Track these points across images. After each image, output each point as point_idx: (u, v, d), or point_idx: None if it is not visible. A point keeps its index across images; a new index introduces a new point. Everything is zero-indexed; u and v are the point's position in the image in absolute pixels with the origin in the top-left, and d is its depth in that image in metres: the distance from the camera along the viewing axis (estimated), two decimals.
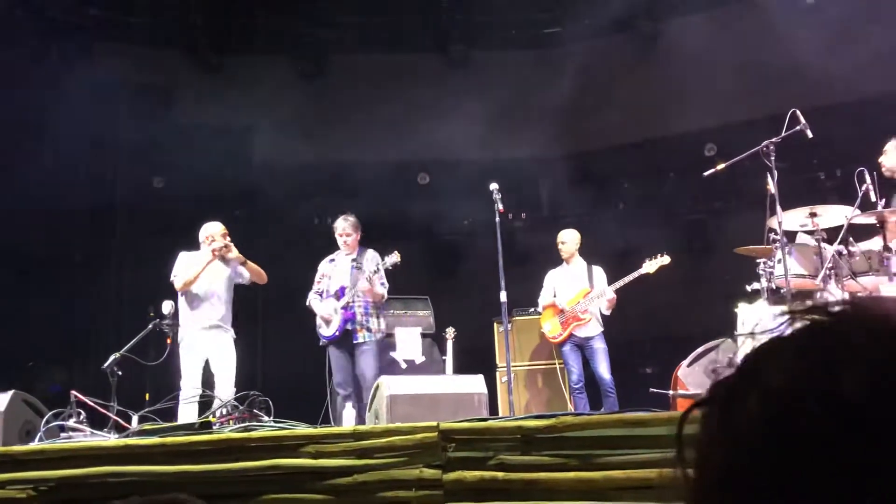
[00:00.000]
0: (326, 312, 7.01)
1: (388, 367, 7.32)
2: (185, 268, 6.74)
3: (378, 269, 6.95)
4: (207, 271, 6.72)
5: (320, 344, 7.15)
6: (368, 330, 6.97)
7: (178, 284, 6.69)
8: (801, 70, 8.39)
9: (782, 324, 0.72)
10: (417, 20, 9.80)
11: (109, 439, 4.69)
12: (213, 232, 6.84)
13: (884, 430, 0.59)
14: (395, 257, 6.97)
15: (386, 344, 7.52)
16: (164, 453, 3.80)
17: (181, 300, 6.74)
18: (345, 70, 10.10)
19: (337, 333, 6.96)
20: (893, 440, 0.58)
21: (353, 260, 7.15)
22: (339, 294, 7.01)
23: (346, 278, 7.07)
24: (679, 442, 0.73)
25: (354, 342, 6.94)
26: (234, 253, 6.78)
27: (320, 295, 7.16)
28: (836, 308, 0.69)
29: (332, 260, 7.30)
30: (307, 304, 7.21)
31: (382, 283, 7.05)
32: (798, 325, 0.70)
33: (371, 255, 7.15)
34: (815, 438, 0.60)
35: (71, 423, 5.05)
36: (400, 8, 9.60)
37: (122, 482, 3.69)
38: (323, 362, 7.36)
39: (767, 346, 0.71)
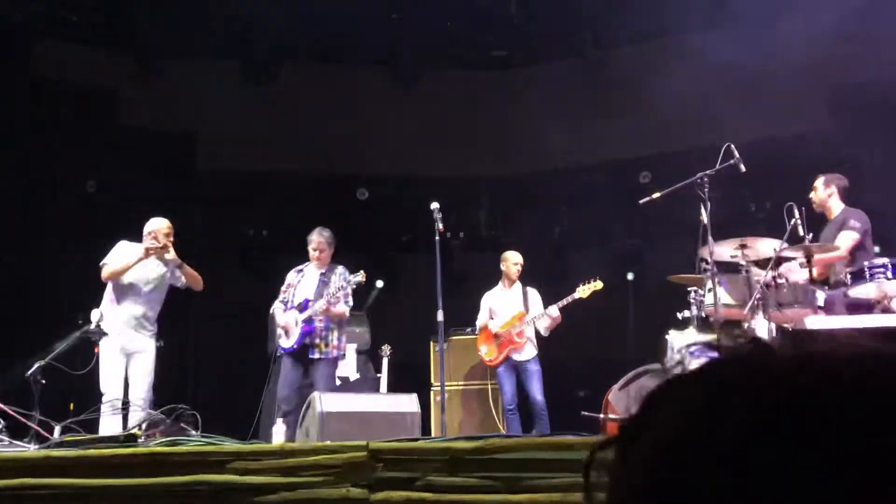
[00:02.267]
0: (286, 322, 6.93)
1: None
2: (118, 258, 6.56)
3: (345, 287, 6.88)
4: (141, 266, 6.54)
5: (277, 354, 7.06)
6: (326, 345, 6.86)
7: (104, 273, 6.50)
8: (735, 105, 8.67)
9: (691, 356, 0.76)
10: (367, 34, 9.82)
11: (29, 450, 4.58)
12: (156, 228, 6.66)
13: (759, 480, 0.63)
14: (359, 276, 6.89)
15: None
16: (86, 466, 3.73)
17: (107, 292, 6.56)
18: (291, 79, 10.07)
19: (295, 346, 6.84)
20: (768, 491, 0.62)
21: (322, 274, 7.09)
22: (303, 306, 6.93)
23: (312, 292, 6.96)
24: (586, 481, 0.76)
25: (310, 357, 6.84)
26: (172, 254, 6.66)
27: (285, 304, 7.08)
28: (732, 346, 0.73)
29: (301, 271, 7.19)
30: (271, 311, 7.11)
31: (346, 302, 6.95)
32: (698, 361, 0.74)
33: (340, 271, 7.04)
34: (695, 488, 0.64)
35: None
36: (351, 21, 9.62)
37: (41, 495, 3.61)
38: (260, 374, 7.30)
39: (665, 386, 0.75)
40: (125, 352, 6.45)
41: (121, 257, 6.56)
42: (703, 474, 0.63)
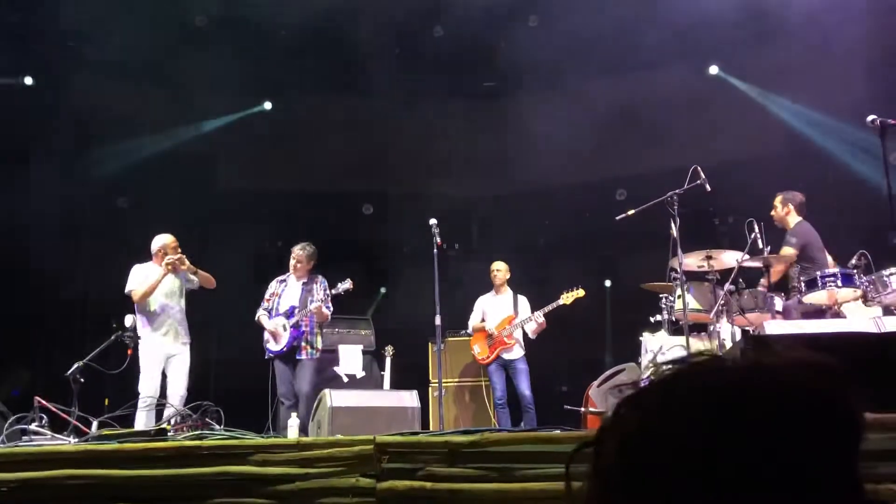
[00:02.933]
0: (275, 328, 6.96)
1: (331, 380, 7.29)
2: (139, 280, 6.60)
3: (326, 294, 6.97)
4: (162, 283, 6.60)
5: (266, 357, 7.08)
6: (312, 347, 6.95)
7: (135, 297, 6.56)
8: (702, 128, 8.73)
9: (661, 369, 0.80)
10: (372, 65, 9.83)
11: (69, 443, 4.57)
12: (165, 244, 6.72)
13: (696, 464, 0.68)
14: (347, 284, 7.01)
15: (329, 359, 7.49)
16: (120, 458, 3.72)
17: (139, 311, 6.61)
18: (301, 107, 10.08)
19: (284, 349, 6.91)
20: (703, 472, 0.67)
21: (304, 284, 7.12)
22: (290, 313, 6.96)
23: (297, 299, 7.04)
24: (567, 477, 0.80)
25: (298, 358, 6.90)
26: (186, 265, 6.69)
27: (269, 312, 7.10)
28: (680, 363, 0.77)
29: (283, 281, 7.24)
30: (256, 319, 7.14)
31: (328, 307, 7.04)
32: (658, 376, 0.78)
33: (320, 280, 7.15)
34: (651, 470, 0.70)
35: (33, 426, 4.90)
36: (353, 52, 9.62)
37: (80, 485, 3.61)
38: (268, 374, 7.30)
39: (631, 393, 0.79)
40: (164, 356, 6.49)
41: (143, 279, 6.59)
42: (657, 458, 0.70)
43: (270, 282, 7.30)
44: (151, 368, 6.43)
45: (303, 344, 6.89)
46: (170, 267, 6.56)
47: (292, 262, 7.15)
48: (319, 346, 7.04)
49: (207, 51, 8.58)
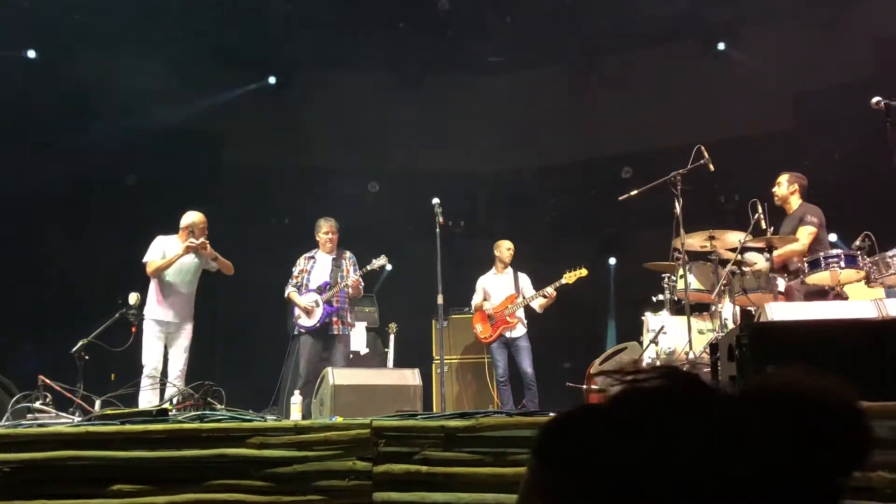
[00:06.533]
0: (308, 304, 6.94)
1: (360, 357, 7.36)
2: (156, 253, 6.58)
3: (356, 268, 7.00)
4: (179, 260, 6.58)
5: (295, 332, 7.08)
6: (344, 323, 6.94)
7: (149, 269, 6.54)
8: (707, 106, 8.62)
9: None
10: (377, 44, 9.75)
11: (73, 422, 4.61)
12: (194, 222, 6.66)
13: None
14: (382, 260, 7.01)
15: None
16: (122, 440, 3.75)
17: (151, 283, 6.60)
18: (310, 84, 10.02)
19: (318, 324, 6.88)
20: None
21: (334, 259, 7.10)
22: (323, 288, 6.95)
23: (327, 275, 7.01)
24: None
25: (330, 333, 6.88)
26: (208, 249, 6.66)
27: (298, 288, 7.08)
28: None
29: (311, 258, 7.18)
30: (286, 295, 7.11)
31: (361, 283, 7.07)
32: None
33: (348, 255, 7.14)
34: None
35: (37, 405, 4.95)
36: (362, 31, 9.54)
37: (80, 466, 3.63)
38: (277, 351, 7.32)
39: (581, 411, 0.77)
40: (166, 331, 6.50)
41: (161, 253, 6.57)
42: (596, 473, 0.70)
43: (297, 258, 7.25)
44: (153, 343, 6.43)
45: (335, 319, 6.88)
46: (190, 248, 6.55)
47: (324, 236, 7.10)
48: (351, 321, 7.07)
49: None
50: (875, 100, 4.83)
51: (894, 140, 4.85)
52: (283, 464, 3.56)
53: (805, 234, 6.29)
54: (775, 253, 6.17)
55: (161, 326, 6.48)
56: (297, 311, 7.03)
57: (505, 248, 7.95)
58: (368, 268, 7.00)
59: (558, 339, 8.68)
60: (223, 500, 3.51)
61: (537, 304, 7.77)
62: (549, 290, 7.64)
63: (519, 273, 7.97)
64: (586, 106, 9.57)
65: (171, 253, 6.56)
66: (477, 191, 10.40)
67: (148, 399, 6.05)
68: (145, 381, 6.11)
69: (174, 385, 5.97)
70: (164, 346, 6.49)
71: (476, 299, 8.05)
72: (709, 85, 8.80)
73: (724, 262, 6.31)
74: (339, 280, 6.90)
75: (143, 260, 6.58)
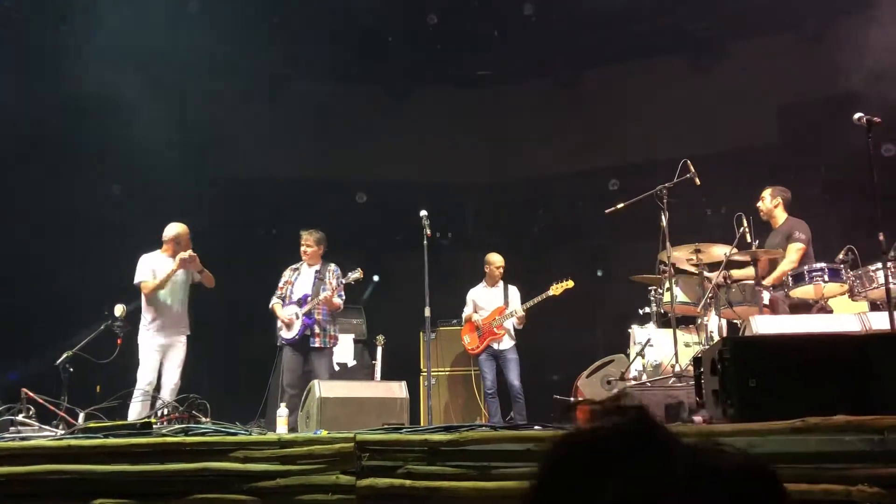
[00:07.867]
0: (287, 316, 6.93)
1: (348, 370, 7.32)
2: (147, 272, 6.59)
3: (339, 282, 6.93)
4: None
5: (278, 344, 7.06)
6: (326, 335, 6.91)
7: (145, 290, 6.55)
8: (693, 119, 8.68)
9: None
10: (367, 55, 9.78)
11: (56, 435, 4.58)
12: (179, 234, 6.67)
13: None
14: (357, 273, 6.96)
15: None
16: (105, 453, 3.72)
17: (144, 302, 6.60)
18: (299, 97, 10.03)
19: (297, 336, 6.87)
20: None
21: (317, 271, 7.09)
22: (302, 301, 6.93)
23: (309, 287, 7.00)
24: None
25: (311, 346, 6.85)
26: (197, 265, 6.67)
27: (282, 300, 7.07)
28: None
29: (296, 269, 7.19)
30: (270, 307, 7.11)
31: (340, 295, 7.00)
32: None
33: (333, 268, 7.09)
34: None
35: (20, 417, 4.91)
36: (350, 43, 9.56)
37: (62, 480, 3.60)
38: (263, 363, 7.29)
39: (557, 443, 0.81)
40: (162, 347, 6.49)
41: (153, 271, 6.57)
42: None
43: (283, 271, 7.24)
44: (150, 359, 6.44)
45: (316, 331, 6.84)
46: (182, 264, 6.54)
47: (301, 248, 7.11)
48: (333, 334, 7.00)
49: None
50: (857, 116, 4.88)
51: (876, 155, 4.89)
52: (266, 478, 3.55)
53: (794, 252, 6.36)
54: (771, 277, 6.27)
55: (158, 343, 6.47)
56: (279, 323, 7.02)
57: (495, 266, 7.97)
58: (343, 281, 6.97)
59: (545, 351, 8.68)
60: None
61: (511, 323, 7.78)
62: (519, 309, 7.66)
63: (510, 286, 7.99)
64: (573, 119, 9.61)
65: (160, 270, 6.57)
66: (464, 203, 10.42)
67: (138, 411, 6.01)
68: (136, 395, 6.07)
69: (160, 398, 5.93)
70: (159, 362, 6.47)
71: (466, 311, 8.06)
72: (695, 99, 8.86)
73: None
74: (321, 292, 6.88)
75: (136, 282, 6.58)
